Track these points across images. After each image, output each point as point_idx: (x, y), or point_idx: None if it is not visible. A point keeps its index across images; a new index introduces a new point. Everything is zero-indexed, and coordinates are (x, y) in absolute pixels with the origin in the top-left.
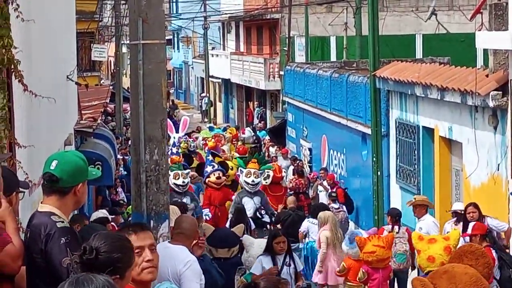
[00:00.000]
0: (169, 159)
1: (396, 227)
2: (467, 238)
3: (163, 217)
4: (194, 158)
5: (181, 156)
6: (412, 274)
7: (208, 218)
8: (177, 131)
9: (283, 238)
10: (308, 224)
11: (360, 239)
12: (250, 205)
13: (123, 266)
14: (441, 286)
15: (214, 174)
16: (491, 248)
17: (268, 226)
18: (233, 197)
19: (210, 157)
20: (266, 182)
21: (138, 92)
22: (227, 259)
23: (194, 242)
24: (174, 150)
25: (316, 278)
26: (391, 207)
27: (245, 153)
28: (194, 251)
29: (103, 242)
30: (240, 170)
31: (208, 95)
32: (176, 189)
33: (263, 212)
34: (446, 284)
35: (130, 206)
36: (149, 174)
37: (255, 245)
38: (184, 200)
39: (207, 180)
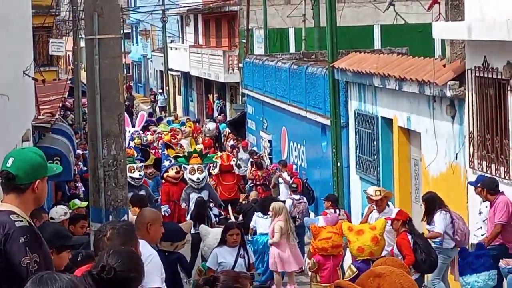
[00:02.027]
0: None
1: (338, 211)
2: (389, 222)
3: (122, 212)
4: (150, 153)
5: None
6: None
7: (167, 215)
8: (133, 126)
9: (236, 231)
10: (255, 218)
11: (315, 227)
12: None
13: (136, 284)
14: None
15: (172, 169)
16: (408, 233)
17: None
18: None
19: (166, 152)
20: (214, 172)
21: (95, 87)
22: (170, 252)
23: None
24: (132, 143)
25: (274, 266)
26: (349, 198)
27: (210, 145)
28: None
29: (120, 261)
30: (183, 167)
31: (163, 91)
32: (132, 182)
33: (211, 205)
34: (374, 283)
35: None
36: (107, 169)
37: (211, 235)
38: (141, 193)
39: (165, 175)
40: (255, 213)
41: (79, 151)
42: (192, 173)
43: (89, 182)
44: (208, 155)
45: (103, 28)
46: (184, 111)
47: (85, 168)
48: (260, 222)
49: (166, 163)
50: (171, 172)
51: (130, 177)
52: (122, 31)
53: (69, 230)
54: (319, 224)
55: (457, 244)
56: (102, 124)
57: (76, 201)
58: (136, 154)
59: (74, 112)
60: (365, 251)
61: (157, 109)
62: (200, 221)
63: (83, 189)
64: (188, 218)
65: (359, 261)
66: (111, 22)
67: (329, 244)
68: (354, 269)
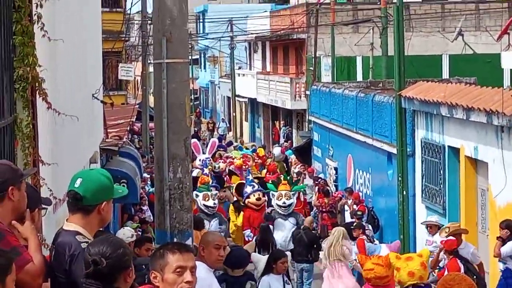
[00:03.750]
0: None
1: None
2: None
3: (187, 235)
4: (224, 180)
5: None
6: None
7: (250, 239)
8: (203, 152)
9: (286, 258)
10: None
11: (361, 257)
12: (283, 227)
13: (129, 263)
14: None
15: (254, 195)
16: (457, 258)
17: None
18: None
19: (251, 177)
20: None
21: (162, 111)
22: (240, 276)
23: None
24: (206, 170)
25: None
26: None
27: (274, 170)
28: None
29: (105, 247)
30: (272, 193)
31: (228, 117)
32: (206, 210)
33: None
34: None
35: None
36: (173, 192)
37: (262, 261)
38: (213, 222)
39: (246, 200)
40: None
41: (146, 175)
42: (279, 198)
43: (155, 204)
44: (298, 185)
45: (171, 53)
46: (251, 137)
47: (151, 191)
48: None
49: (249, 188)
50: (252, 198)
51: (204, 205)
52: (190, 57)
53: (134, 253)
54: (381, 253)
55: None
56: (169, 147)
57: (128, 223)
58: (210, 181)
59: (141, 136)
60: (416, 275)
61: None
62: (264, 247)
63: (149, 212)
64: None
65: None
66: (179, 46)
67: (371, 275)
68: None
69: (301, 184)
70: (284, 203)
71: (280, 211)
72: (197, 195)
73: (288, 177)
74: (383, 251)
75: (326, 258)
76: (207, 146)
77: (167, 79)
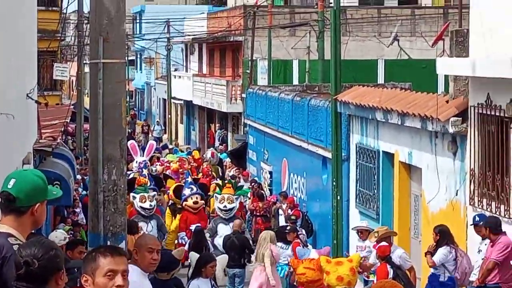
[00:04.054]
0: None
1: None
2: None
3: (120, 238)
4: (163, 181)
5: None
6: None
7: (184, 242)
8: (141, 155)
9: (215, 263)
10: (278, 249)
11: (293, 261)
12: (224, 231)
13: (61, 264)
14: None
15: (191, 198)
16: (387, 264)
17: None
18: (208, 225)
19: (190, 179)
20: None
21: (98, 111)
22: (167, 279)
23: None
24: (145, 172)
25: None
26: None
27: (207, 173)
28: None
29: (35, 248)
30: (215, 196)
31: (164, 119)
32: (143, 212)
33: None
34: None
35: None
36: (107, 194)
37: None
38: (151, 223)
39: (184, 203)
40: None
41: (79, 176)
42: (222, 202)
43: (89, 207)
44: (243, 189)
45: (108, 53)
46: (186, 140)
47: (85, 193)
48: (282, 253)
49: (187, 191)
50: (190, 201)
51: (141, 207)
52: (126, 58)
53: (66, 256)
54: (310, 256)
55: (456, 282)
56: (104, 148)
57: (60, 225)
58: (149, 183)
59: (75, 137)
60: (344, 280)
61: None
62: (198, 251)
63: (82, 215)
64: (186, 247)
65: None
66: (116, 47)
67: (303, 279)
68: None
69: (245, 189)
70: (225, 206)
71: (221, 215)
72: (134, 197)
73: (233, 181)
74: (312, 256)
75: (255, 261)
76: (142, 148)
77: (103, 79)
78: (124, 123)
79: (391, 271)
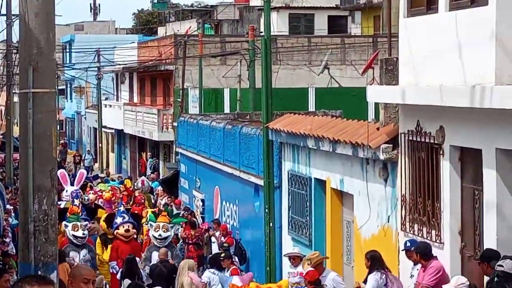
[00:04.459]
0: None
1: None
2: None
3: (51, 268)
4: (99, 209)
5: (80, 207)
6: None
7: (115, 272)
8: (71, 184)
9: None
10: (209, 275)
11: (233, 286)
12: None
13: None
14: None
15: (123, 226)
16: None
17: None
18: (143, 253)
19: (122, 208)
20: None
21: (28, 141)
22: None
23: None
24: (76, 202)
25: None
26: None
27: (140, 201)
28: None
29: None
30: (150, 224)
31: (94, 149)
32: (75, 241)
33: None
34: None
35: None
36: (38, 224)
37: None
38: (82, 252)
39: (115, 231)
40: (209, 270)
41: (9, 206)
42: (156, 230)
43: (19, 236)
44: (179, 217)
45: (38, 82)
46: (117, 169)
47: (16, 223)
48: (213, 279)
49: (119, 219)
50: (121, 230)
51: (74, 235)
52: (56, 87)
53: None
54: (233, 282)
55: None
56: (34, 178)
57: None
58: (80, 213)
59: (5, 167)
60: None
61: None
62: (131, 278)
63: (12, 245)
64: (118, 276)
65: None
66: (46, 76)
67: None
68: None
69: (181, 217)
70: (160, 235)
71: (156, 243)
72: (66, 225)
73: (170, 209)
74: (234, 282)
75: None
76: (74, 177)
77: (33, 109)
78: (54, 152)
79: None
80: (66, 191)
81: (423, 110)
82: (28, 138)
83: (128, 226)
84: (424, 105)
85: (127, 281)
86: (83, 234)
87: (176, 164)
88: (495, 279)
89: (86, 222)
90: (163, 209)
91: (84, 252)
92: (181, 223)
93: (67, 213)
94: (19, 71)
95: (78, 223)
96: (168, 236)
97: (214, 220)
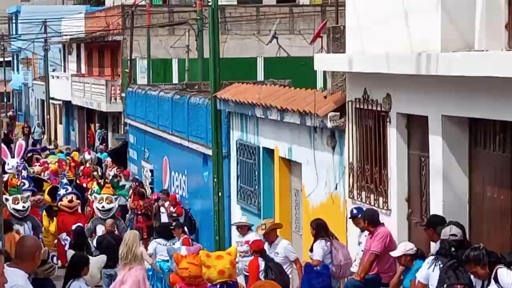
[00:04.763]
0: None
1: None
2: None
3: None
4: (44, 182)
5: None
6: None
7: (66, 243)
8: (12, 156)
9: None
10: (155, 245)
11: (177, 255)
12: (102, 231)
13: None
14: None
15: (66, 198)
16: (259, 257)
17: None
18: (87, 225)
19: (65, 180)
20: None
21: None
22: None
23: None
24: (24, 173)
25: None
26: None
27: (89, 173)
28: None
29: None
30: (94, 196)
31: (43, 121)
32: (16, 214)
33: None
34: None
35: None
36: None
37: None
38: (26, 225)
39: (59, 203)
40: (155, 240)
41: None
42: (100, 202)
43: None
44: (124, 191)
45: None
46: (65, 140)
47: None
48: (159, 249)
49: (62, 191)
50: (65, 201)
51: (14, 209)
52: (2, 59)
53: None
54: (182, 253)
55: (333, 275)
56: None
57: None
58: (28, 185)
59: None
60: (226, 273)
61: (30, 142)
62: (79, 250)
63: None
64: (67, 247)
65: (217, 285)
66: None
67: (186, 274)
68: None
69: (126, 191)
70: (103, 207)
71: (100, 215)
72: (7, 199)
73: (115, 180)
74: (182, 253)
75: (127, 263)
76: (23, 150)
77: None
78: None
79: (262, 264)
80: (8, 164)
81: (370, 78)
82: None
83: (72, 197)
84: (370, 73)
85: (70, 252)
86: (23, 207)
87: (124, 135)
88: (452, 249)
89: (28, 194)
90: (108, 181)
91: (27, 224)
92: (128, 194)
93: (8, 186)
94: None
95: (19, 196)
96: (111, 207)
97: (163, 190)
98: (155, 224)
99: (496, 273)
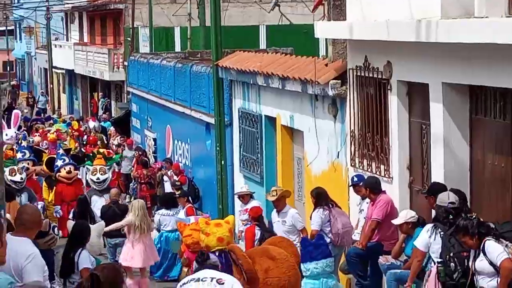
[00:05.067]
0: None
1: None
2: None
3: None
4: (43, 153)
5: (14, 150)
6: None
7: (58, 216)
8: (8, 126)
9: None
10: (159, 217)
11: (180, 224)
12: (100, 203)
13: None
14: (260, 264)
15: (64, 168)
16: (256, 226)
17: None
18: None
19: (61, 151)
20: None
21: None
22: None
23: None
24: (24, 143)
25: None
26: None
27: (95, 142)
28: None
29: None
30: (87, 168)
31: (46, 90)
32: (14, 186)
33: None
34: (265, 263)
35: None
36: None
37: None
38: (22, 197)
39: (57, 174)
40: (157, 212)
41: None
42: (94, 173)
43: None
44: (113, 157)
45: None
46: (69, 109)
47: None
48: (164, 220)
49: (59, 162)
50: (63, 172)
51: (12, 180)
52: (5, 28)
53: None
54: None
55: (332, 243)
56: None
57: None
58: (28, 154)
59: None
60: (224, 240)
61: (35, 111)
62: (83, 219)
63: None
64: (71, 216)
65: (216, 253)
66: None
67: (190, 241)
68: None
69: (115, 157)
70: (98, 178)
71: (95, 187)
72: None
73: (101, 151)
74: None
75: (141, 232)
76: (27, 120)
77: None
78: None
79: (258, 233)
80: (6, 134)
81: (371, 46)
82: None
83: (70, 168)
84: (371, 40)
85: (70, 222)
86: (21, 178)
87: (127, 103)
88: (450, 216)
89: (24, 165)
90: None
91: (24, 196)
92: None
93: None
94: None
95: (15, 167)
96: (106, 178)
97: (166, 159)
98: (159, 192)
99: (484, 244)
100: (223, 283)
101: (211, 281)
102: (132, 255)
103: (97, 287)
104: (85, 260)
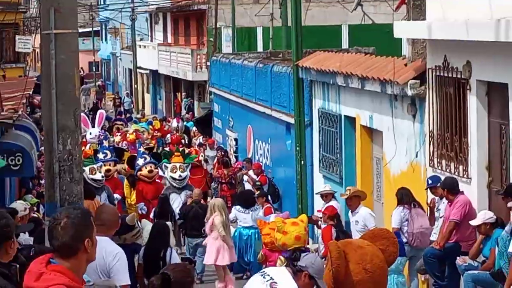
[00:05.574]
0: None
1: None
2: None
3: None
4: (125, 152)
5: (92, 149)
6: None
7: (144, 212)
8: (93, 126)
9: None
10: (235, 212)
11: (260, 222)
12: (178, 202)
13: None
14: (352, 258)
15: (146, 167)
16: (332, 227)
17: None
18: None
19: (142, 149)
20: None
21: (51, 82)
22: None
23: None
24: (106, 143)
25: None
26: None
27: (178, 141)
28: None
29: None
30: (165, 165)
31: (130, 92)
32: (94, 184)
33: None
34: (357, 259)
35: None
36: (62, 164)
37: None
38: (102, 195)
39: (138, 173)
40: (234, 207)
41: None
42: (174, 171)
43: (45, 176)
44: (190, 156)
45: (60, 23)
46: (152, 109)
47: None
48: (240, 216)
49: (140, 161)
50: (144, 171)
51: (92, 179)
52: (92, 29)
53: None
54: (271, 220)
55: (408, 243)
56: (58, 118)
57: (28, 197)
58: (110, 155)
59: (41, 109)
60: (301, 239)
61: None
62: (164, 219)
63: None
64: (152, 215)
65: (287, 252)
66: (68, 17)
67: (268, 240)
68: (283, 259)
69: (193, 155)
70: (180, 176)
71: (174, 184)
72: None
73: (180, 149)
74: (272, 220)
75: (226, 231)
76: (104, 119)
77: (55, 50)
78: (77, 93)
79: (334, 234)
80: (90, 133)
81: (450, 45)
82: (51, 79)
83: (151, 167)
84: (451, 40)
85: (145, 222)
86: (102, 177)
87: (209, 103)
88: None
89: (101, 164)
90: (183, 149)
91: (103, 195)
92: (214, 162)
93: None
94: (41, 12)
95: (95, 166)
96: (186, 176)
97: (247, 159)
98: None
99: None
100: None
101: (267, 280)
102: (218, 253)
103: (168, 286)
104: (176, 259)
